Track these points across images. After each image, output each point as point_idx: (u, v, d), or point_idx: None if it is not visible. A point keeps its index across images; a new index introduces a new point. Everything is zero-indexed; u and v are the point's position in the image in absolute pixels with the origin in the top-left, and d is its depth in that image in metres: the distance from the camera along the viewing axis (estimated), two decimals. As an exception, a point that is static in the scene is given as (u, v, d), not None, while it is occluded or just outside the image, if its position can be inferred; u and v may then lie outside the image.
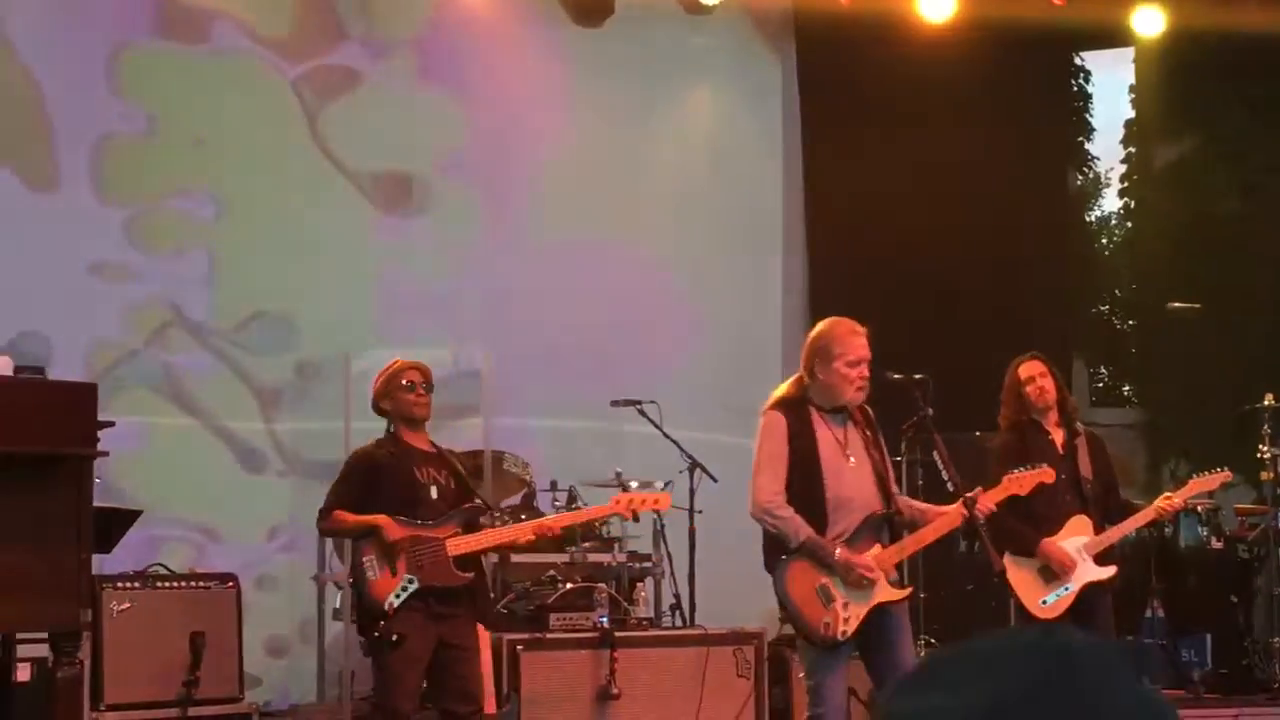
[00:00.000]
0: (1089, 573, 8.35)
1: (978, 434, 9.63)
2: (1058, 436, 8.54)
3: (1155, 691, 1.32)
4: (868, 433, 7.20)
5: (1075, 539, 8.35)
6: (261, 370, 11.45)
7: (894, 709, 1.29)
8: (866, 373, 7.07)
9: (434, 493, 7.93)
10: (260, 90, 11.68)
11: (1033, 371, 8.59)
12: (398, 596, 7.68)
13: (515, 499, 9.71)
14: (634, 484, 9.21)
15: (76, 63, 10.82)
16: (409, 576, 7.74)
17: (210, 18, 11.40)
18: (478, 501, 8.14)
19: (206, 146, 11.37)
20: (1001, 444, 8.59)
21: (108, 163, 11.16)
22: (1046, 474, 7.78)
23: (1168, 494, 9.05)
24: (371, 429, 8.45)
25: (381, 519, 7.71)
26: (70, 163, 10.92)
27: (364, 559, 7.78)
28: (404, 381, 8.02)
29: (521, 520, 8.48)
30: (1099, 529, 8.41)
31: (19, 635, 7.00)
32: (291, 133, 11.77)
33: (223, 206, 11.44)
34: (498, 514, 8.49)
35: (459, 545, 7.83)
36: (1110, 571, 8.40)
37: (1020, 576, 8.39)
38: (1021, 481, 7.69)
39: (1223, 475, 9.25)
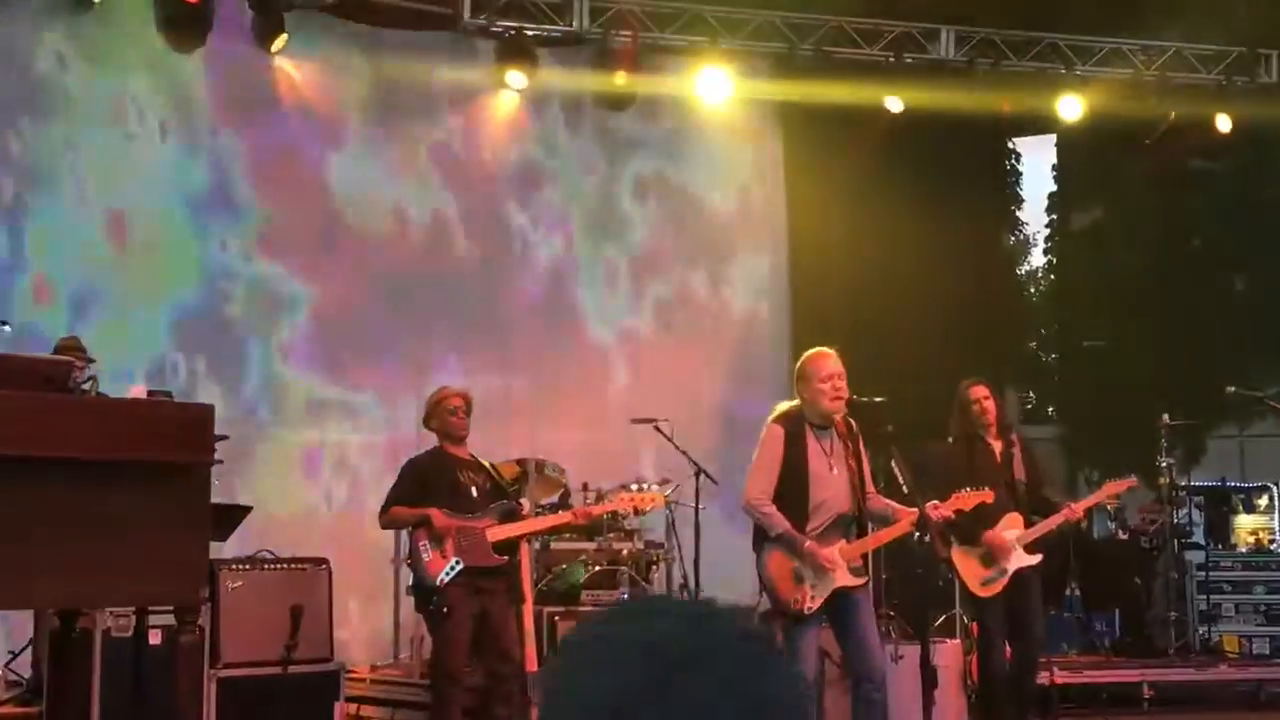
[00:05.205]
0: (1020, 559, 7.93)
1: (928, 443, 8.79)
2: (997, 448, 8.08)
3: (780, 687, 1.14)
4: (849, 444, 6.80)
5: (1010, 532, 7.92)
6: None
7: (546, 685, 1.15)
8: (840, 384, 6.62)
9: (474, 492, 7.61)
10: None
11: (979, 394, 8.12)
12: (447, 574, 7.39)
13: (554, 497, 9.18)
14: (634, 486, 8.59)
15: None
16: (456, 559, 7.42)
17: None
18: (508, 500, 7.81)
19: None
20: (950, 454, 8.18)
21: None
22: (987, 495, 7.43)
23: (1071, 504, 8.60)
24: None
25: (432, 511, 7.41)
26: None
27: (419, 544, 7.49)
28: (449, 406, 7.70)
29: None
30: (1028, 524, 7.97)
31: (151, 608, 6.49)
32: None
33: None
34: (530, 509, 8.17)
35: (496, 533, 7.55)
36: (1037, 558, 7.99)
37: (965, 563, 7.99)
38: (967, 500, 7.36)
39: (1129, 481, 8.98)
